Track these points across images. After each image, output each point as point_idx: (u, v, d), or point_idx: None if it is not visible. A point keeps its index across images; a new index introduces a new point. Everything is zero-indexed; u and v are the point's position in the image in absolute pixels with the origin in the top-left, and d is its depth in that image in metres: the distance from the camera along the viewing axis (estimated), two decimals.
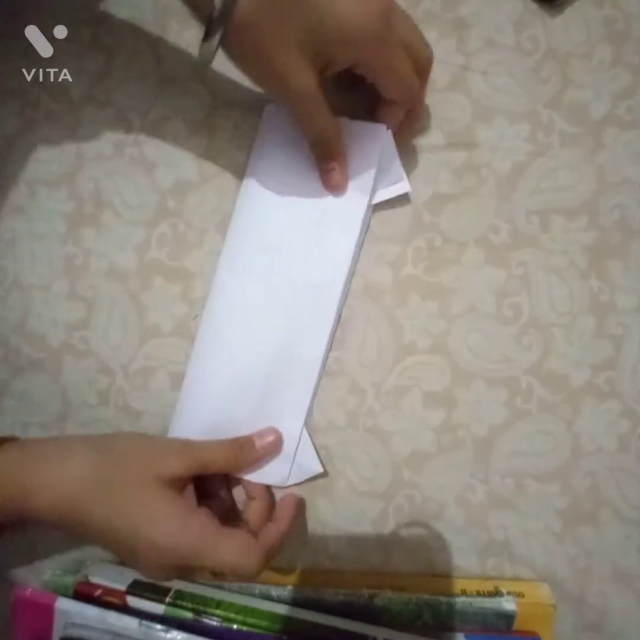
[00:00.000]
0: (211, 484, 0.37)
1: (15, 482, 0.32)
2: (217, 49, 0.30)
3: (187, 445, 0.35)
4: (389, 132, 0.36)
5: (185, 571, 0.33)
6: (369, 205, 0.37)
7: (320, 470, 0.37)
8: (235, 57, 0.32)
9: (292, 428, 0.37)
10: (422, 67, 0.34)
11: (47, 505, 0.31)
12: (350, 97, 0.36)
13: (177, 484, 0.33)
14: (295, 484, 0.38)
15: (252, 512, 0.36)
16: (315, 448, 0.38)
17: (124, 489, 0.32)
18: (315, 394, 0.38)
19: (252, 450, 0.36)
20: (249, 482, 0.37)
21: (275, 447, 0.37)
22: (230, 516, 0.36)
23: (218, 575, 0.35)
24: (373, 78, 0.33)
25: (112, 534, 0.32)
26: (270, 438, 0.37)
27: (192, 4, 0.31)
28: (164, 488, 0.32)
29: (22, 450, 0.34)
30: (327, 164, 0.36)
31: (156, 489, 0.32)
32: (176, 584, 0.37)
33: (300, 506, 0.38)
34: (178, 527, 0.31)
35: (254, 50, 0.31)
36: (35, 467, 0.32)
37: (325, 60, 0.31)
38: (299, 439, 0.37)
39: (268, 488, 0.38)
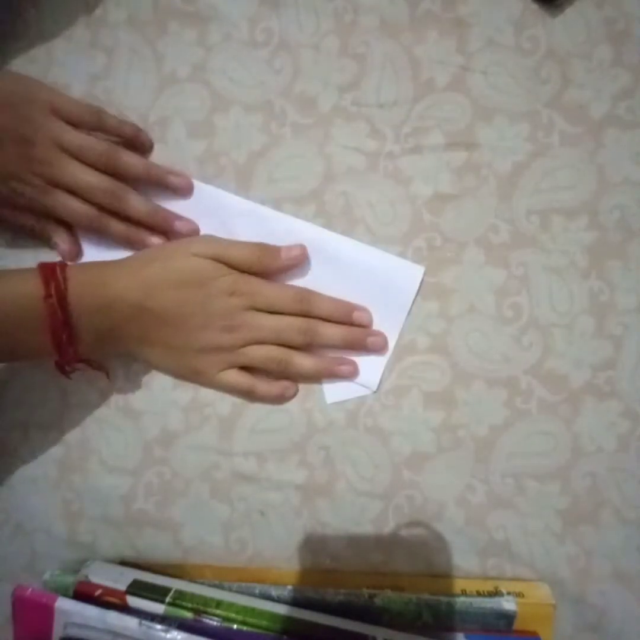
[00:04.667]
0: None
1: (93, 272, 0.35)
2: None
3: (214, 239, 0.37)
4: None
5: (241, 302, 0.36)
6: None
7: (374, 389, 0.38)
8: None
9: (384, 339, 0.38)
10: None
11: (121, 289, 0.35)
12: None
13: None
14: (343, 400, 0.38)
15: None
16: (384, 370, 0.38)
17: (170, 263, 0.36)
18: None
19: (276, 256, 0.37)
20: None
21: (298, 262, 0.38)
22: None
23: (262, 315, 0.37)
24: None
25: (175, 307, 0.36)
26: (296, 251, 0.38)
27: None
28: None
29: (91, 263, 0.38)
30: None
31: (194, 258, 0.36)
32: (176, 584, 0.37)
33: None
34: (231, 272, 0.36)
35: None
36: (108, 266, 0.36)
37: None
38: (391, 350, 0.38)
39: None
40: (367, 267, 0.38)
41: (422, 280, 0.37)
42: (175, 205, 0.39)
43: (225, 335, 0.36)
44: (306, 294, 0.37)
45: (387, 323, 0.38)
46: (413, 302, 0.38)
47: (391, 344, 0.38)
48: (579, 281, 0.37)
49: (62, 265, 0.34)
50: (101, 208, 0.37)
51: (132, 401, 0.40)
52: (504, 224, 0.37)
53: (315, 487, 0.38)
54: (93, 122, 0.37)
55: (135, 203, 0.37)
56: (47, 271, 0.34)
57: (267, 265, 0.37)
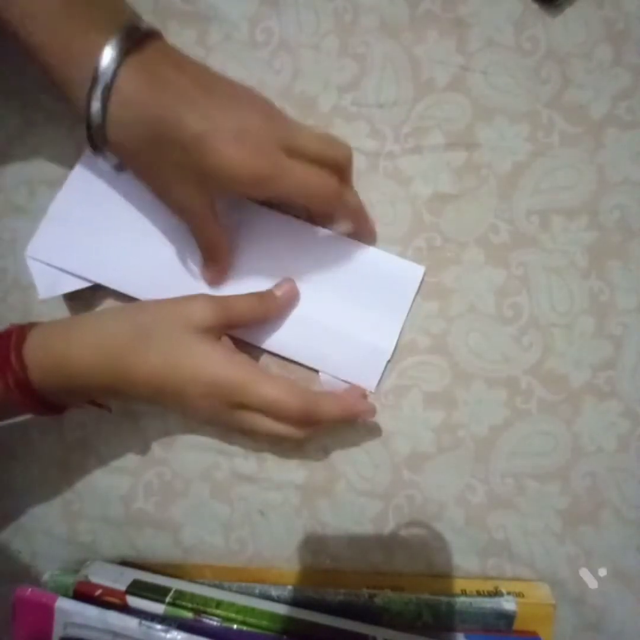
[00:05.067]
0: None
1: (55, 350, 0.32)
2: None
3: (214, 298, 0.34)
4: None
5: (230, 408, 0.33)
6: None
7: (373, 390, 0.38)
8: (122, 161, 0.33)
9: (385, 343, 0.38)
10: (339, 168, 0.34)
11: (87, 364, 0.32)
12: None
13: (213, 333, 0.33)
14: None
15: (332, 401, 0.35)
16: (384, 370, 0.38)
17: (163, 338, 0.32)
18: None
19: (273, 298, 0.36)
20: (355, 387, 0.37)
21: (293, 295, 0.37)
22: None
23: (259, 417, 0.34)
24: (284, 202, 0.34)
25: (156, 380, 0.32)
26: (287, 285, 0.37)
27: (72, 103, 0.31)
28: (202, 335, 0.33)
29: (54, 324, 0.34)
30: (211, 265, 0.37)
31: (195, 336, 0.32)
32: (176, 584, 0.37)
33: (364, 405, 0.36)
34: (222, 361, 0.32)
35: (134, 165, 0.33)
36: (71, 333, 0.33)
37: (212, 191, 0.33)
38: (392, 353, 0.38)
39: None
40: (367, 267, 0.38)
41: (422, 280, 0.37)
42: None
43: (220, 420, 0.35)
44: (312, 407, 0.34)
45: (387, 323, 0.38)
46: (413, 301, 0.38)
47: (392, 344, 0.38)
48: (579, 281, 0.37)
49: (17, 349, 0.31)
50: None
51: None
52: (504, 224, 0.37)
53: (315, 487, 0.38)
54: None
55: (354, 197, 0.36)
56: (1, 362, 0.31)
57: (267, 309, 0.36)
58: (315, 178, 0.32)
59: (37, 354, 0.32)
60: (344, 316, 0.38)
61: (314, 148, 0.32)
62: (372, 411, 0.36)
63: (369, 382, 0.38)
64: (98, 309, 0.39)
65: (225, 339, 0.35)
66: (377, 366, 0.38)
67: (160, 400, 0.34)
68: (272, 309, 0.36)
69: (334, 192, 0.33)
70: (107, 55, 0.29)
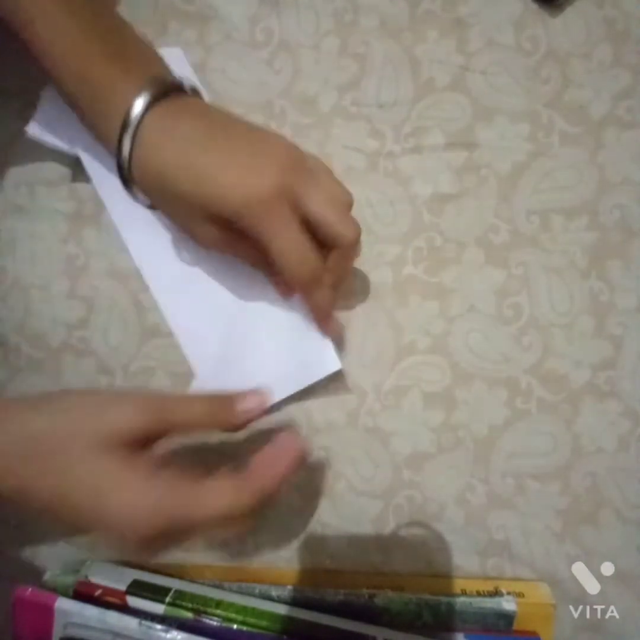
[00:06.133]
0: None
1: None
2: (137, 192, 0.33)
3: (150, 397, 0.29)
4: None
5: (174, 538, 0.28)
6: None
7: (339, 366, 0.36)
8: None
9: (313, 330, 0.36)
10: (337, 246, 0.32)
11: None
12: None
13: (134, 445, 0.27)
14: (315, 382, 0.37)
15: (262, 472, 0.29)
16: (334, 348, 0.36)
17: (69, 456, 0.26)
18: None
19: (232, 414, 0.31)
20: (281, 441, 0.31)
21: (257, 414, 0.31)
22: None
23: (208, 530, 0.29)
24: (263, 247, 0.30)
25: (67, 512, 0.26)
26: (254, 401, 0.31)
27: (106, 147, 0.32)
28: (117, 448, 0.27)
29: None
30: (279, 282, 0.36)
31: (104, 449, 0.26)
32: (176, 584, 0.37)
33: (301, 451, 0.31)
34: (145, 490, 0.26)
35: (158, 205, 0.33)
36: None
37: (212, 214, 0.30)
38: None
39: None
40: (290, 337, 0.36)
41: (334, 372, 0.36)
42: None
43: None
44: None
45: (278, 386, 0.36)
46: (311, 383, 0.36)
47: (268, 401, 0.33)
48: (579, 281, 0.37)
49: None
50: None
51: None
52: (504, 224, 0.37)
53: (315, 487, 0.38)
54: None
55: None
56: None
57: (219, 423, 0.30)
58: (300, 249, 0.30)
59: None
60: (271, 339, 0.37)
61: (321, 215, 0.30)
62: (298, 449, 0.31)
63: (330, 366, 0.36)
64: None
65: (149, 452, 0.28)
66: (324, 347, 0.36)
67: (78, 530, 0.30)
68: (221, 423, 0.31)
69: (310, 275, 0.31)
70: (139, 104, 0.30)
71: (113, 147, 0.31)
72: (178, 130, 0.30)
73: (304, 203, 0.30)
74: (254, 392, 0.32)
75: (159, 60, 0.33)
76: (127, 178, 0.31)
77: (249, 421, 0.31)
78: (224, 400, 0.31)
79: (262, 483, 0.28)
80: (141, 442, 0.28)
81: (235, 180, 0.29)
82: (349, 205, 0.33)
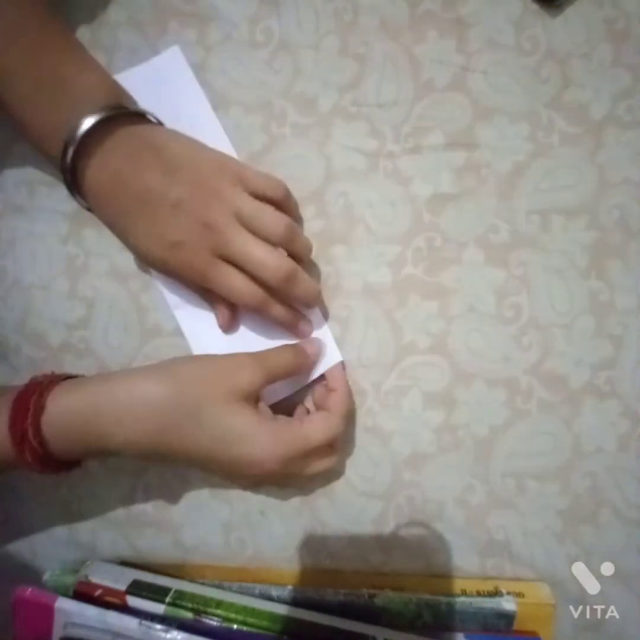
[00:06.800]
0: None
1: (81, 420, 0.31)
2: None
3: (253, 357, 0.34)
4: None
5: (288, 469, 0.34)
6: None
7: (340, 358, 0.38)
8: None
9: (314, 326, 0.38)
10: (290, 251, 0.35)
11: (125, 440, 0.31)
12: None
13: (252, 397, 0.34)
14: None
15: (334, 402, 0.36)
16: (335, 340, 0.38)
17: (211, 419, 0.32)
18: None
19: (304, 355, 0.36)
20: (331, 376, 0.37)
21: (320, 353, 0.37)
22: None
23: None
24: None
25: (204, 457, 0.32)
26: (316, 346, 0.37)
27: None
28: (244, 402, 0.33)
29: (77, 387, 0.33)
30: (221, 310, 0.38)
31: (237, 405, 0.32)
32: (176, 584, 0.37)
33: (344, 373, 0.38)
34: (274, 433, 0.33)
35: (100, 213, 0.37)
36: (100, 399, 0.32)
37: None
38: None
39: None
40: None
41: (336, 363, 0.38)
42: None
43: None
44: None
45: (283, 384, 0.37)
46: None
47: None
48: (579, 281, 0.37)
49: (35, 424, 0.31)
50: (265, 286, 0.34)
51: None
52: (504, 224, 0.37)
53: (315, 487, 0.39)
54: (278, 197, 0.36)
55: (306, 286, 0.35)
56: (17, 427, 0.31)
57: (299, 366, 0.36)
58: (240, 283, 0.34)
59: (59, 427, 0.31)
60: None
61: (248, 254, 0.34)
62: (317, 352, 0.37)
63: (332, 358, 0.38)
64: None
65: (262, 403, 0.35)
66: (325, 339, 0.38)
67: (210, 471, 0.35)
68: (303, 366, 0.37)
69: (259, 300, 0.35)
70: (85, 125, 0.32)
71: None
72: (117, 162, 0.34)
73: (230, 249, 0.34)
74: (312, 340, 0.38)
75: (110, 87, 0.35)
76: (72, 186, 0.35)
77: (315, 363, 0.37)
78: (298, 347, 0.37)
79: (337, 405, 0.36)
80: (256, 395, 0.34)
81: (172, 264, 0.35)
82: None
